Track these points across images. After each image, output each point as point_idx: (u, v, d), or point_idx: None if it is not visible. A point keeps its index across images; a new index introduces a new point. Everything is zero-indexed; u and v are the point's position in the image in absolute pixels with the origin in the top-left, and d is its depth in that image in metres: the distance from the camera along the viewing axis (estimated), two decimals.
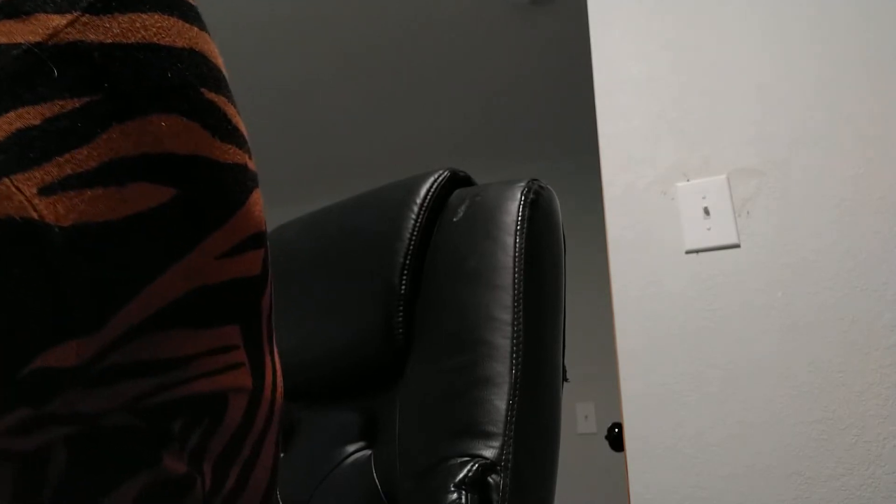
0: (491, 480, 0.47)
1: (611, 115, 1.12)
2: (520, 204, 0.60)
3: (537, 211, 0.61)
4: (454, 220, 0.63)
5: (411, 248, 0.63)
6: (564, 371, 0.61)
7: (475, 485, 0.46)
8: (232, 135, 0.29)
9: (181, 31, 0.26)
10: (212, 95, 0.27)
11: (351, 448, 0.61)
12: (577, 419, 2.72)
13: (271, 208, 3.25)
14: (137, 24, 0.24)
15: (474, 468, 0.47)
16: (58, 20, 0.22)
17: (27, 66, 0.21)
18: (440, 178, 0.67)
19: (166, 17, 0.25)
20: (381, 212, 0.67)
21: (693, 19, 1.13)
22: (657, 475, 0.90)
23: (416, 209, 0.64)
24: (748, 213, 0.98)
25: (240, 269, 0.29)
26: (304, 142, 3.03)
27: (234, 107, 0.31)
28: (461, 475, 0.47)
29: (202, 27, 0.28)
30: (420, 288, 0.62)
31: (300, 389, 0.69)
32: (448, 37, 2.34)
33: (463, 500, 0.46)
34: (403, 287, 0.61)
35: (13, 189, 0.20)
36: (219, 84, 0.29)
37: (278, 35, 2.32)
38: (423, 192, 0.65)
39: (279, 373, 0.37)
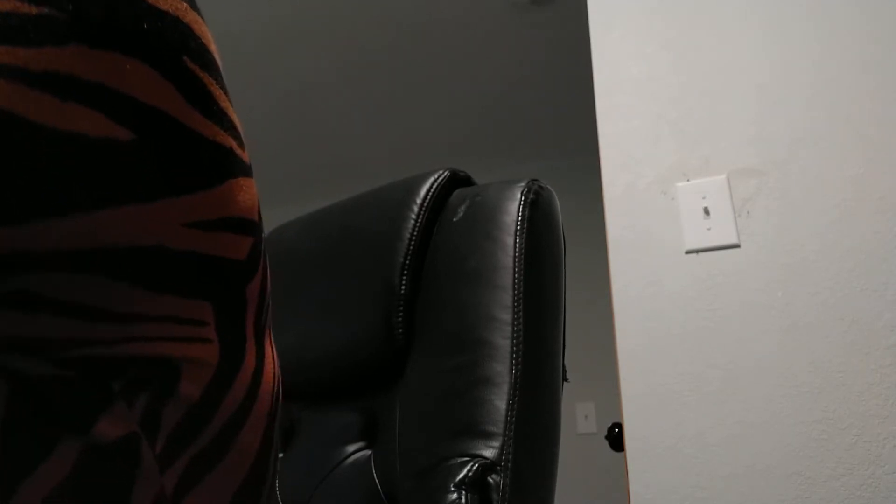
0: (491, 480, 0.47)
1: (611, 115, 1.12)
2: (520, 204, 0.60)
3: (537, 211, 0.61)
4: (454, 220, 0.63)
5: (411, 248, 0.63)
6: (564, 371, 0.61)
7: (475, 485, 0.46)
8: (216, 115, 0.29)
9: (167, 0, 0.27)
10: (194, 67, 0.28)
11: (351, 448, 0.61)
12: (577, 419, 2.72)
13: (272, 208, 3.26)
14: None
15: (474, 468, 0.47)
16: None
17: None
18: (440, 178, 0.67)
19: None
20: (382, 212, 0.67)
21: (693, 19, 1.13)
22: (657, 475, 0.90)
23: (416, 209, 0.64)
24: (748, 213, 0.98)
25: (214, 246, 0.29)
26: (304, 142, 3.03)
27: (227, 97, 0.31)
28: (461, 475, 0.47)
29: (194, 7, 0.29)
30: (420, 288, 0.62)
31: (300, 389, 0.69)
32: (448, 37, 2.34)
33: (463, 500, 0.46)
34: (403, 287, 0.61)
35: None
36: (205, 63, 0.29)
37: (278, 36, 2.32)
38: (423, 192, 0.65)
39: (275, 367, 0.37)
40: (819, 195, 0.95)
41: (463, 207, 0.63)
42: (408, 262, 0.62)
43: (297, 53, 2.41)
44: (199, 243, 0.29)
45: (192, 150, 0.28)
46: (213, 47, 0.31)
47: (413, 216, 0.64)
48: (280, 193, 3.34)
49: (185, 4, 0.28)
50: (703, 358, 0.93)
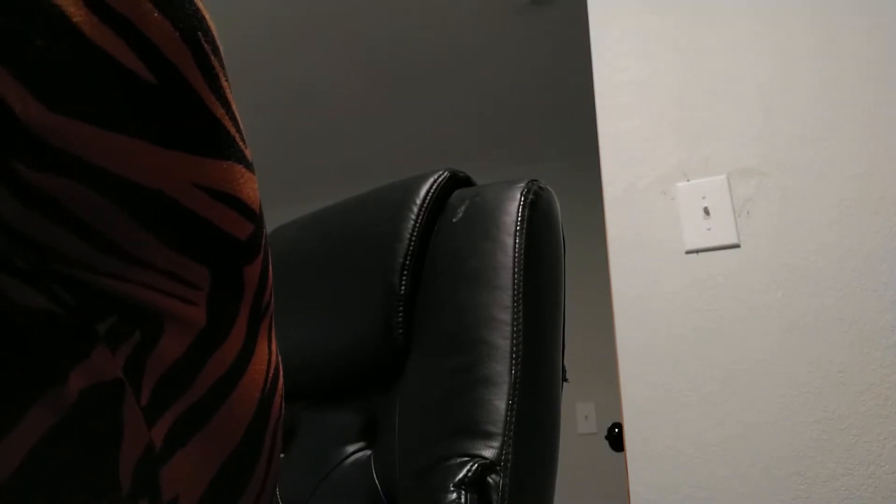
0: (490, 480, 0.47)
1: (611, 115, 1.12)
2: (519, 204, 0.60)
3: (536, 211, 0.61)
4: (454, 220, 0.63)
5: (411, 248, 0.63)
6: (564, 371, 0.61)
7: (475, 484, 0.46)
8: (222, 99, 0.31)
9: None
10: (207, 48, 0.30)
11: (351, 448, 0.61)
12: (577, 419, 2.72)
13: (272, 208, 3.24)
14: None
15: (474, 468, 0.47)
16: None
17: None
18: (440, 179, 0.67)
19: None
20: (381, 212, 0.67)
21: (693, 19, 1.13)
22: (657, 475, 0.90)
23: (415, 209, 0.64)
24: (748, 213, 0.98)
25: (218, 217, 0.31)
26: (304, 142, 3.03)
27: (230, 89, 0.33)
28: (461, 475, 0.47)
29: (205, 7, 0.32)
30: (420, 288, 0.62)
31: (300, 389, 0.69)
32: (448, 37, 2.34)
33: (462, 500, 0.46)
34: (403, 287, 0.61)
35: None
36: (216, 51, 0.31)
37: (279, 36, 2.32)
38: (422, 192, 0.65)
39: (275, 361, 0.38)
40: (819, 195, 0.95)
41: (462, 208, 0.63)
42: (407, 262, 0.62)
43: (297, 54, 2.41)
44: (206, 208, 0.30)
45: (202, 116, 0.29)
46: (220, 45, 0.32)
47: (413, 216, 0.64)
48: (280, 193, 3.34)
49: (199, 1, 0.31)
50: (703, 358, 0.93)
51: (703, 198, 1.01)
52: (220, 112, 0.31)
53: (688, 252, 1.00)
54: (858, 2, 1.03)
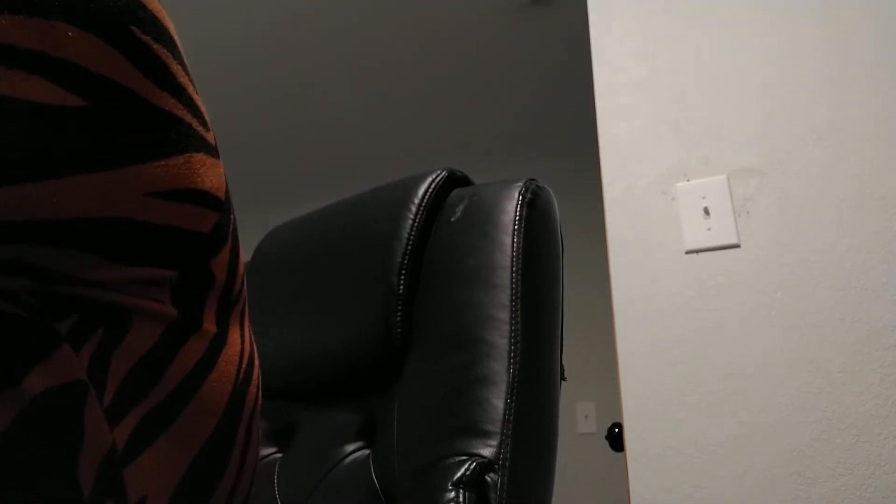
0: (489, 479, 0.47)
1: (611, 115, 1.12)
2: (517, 204, 0.60)
3: (534, 210, 0.61)
4: (452, 219, 0.63)
5: (409, 247, 0.63)
6: (563, 370, 0.61)
7: (473, 483, 0.46)
8: (172, 88, 0.30)
9: None
10: (146, 39, 0.28)
11: (350, 448, 0.61)
12: (577, 419, 2.72)
13: (272, 209, 3.25)
14: None
15: (472, 467, 0.47)
16: None
17: None
18: (438, 178, 0.67)
19: None
20: (380, 211, 0.67)
21: (693, 19, 1.13)
22: (657, 475, 0.90)
23: (414, 209, 0.64)
24: (748, 213, 0.98)
25: (175, 217, 0.30)
26: (304, 142, 3.03)
27: (187, 75, 0.31)
28: (459, 474, 0.47)
29: None
30: (418, 288, 0.62)
31: (298, 389, 0.69)
32: (448, 37, 2.34)
33: (461, 499, 0.45)
34: (402, 287, 0.61)
35: None
36: (160, 36, 0.29)
37: (279, 36, 2.32)
38: (421, 191, 0.65)
39: (248, 350, 0.37)
40: (819, 195, 0.95)
41: (461, 207, 0.63)
42: (406, 261, 0.62)
43: (296, 54, 2.41)
44: (163, 213, 0.29)
45: (146, 118, 0.28)
46: (170, 24, 0.31)
47: (411, 216, 0.64)
48: (280, 193, 3.34)
49: None
50: (703, 358, 0.93)
51: (703, 198, 1.01)
52: (169, 103, 0.29)
53: (688, 252, 0.99)
54: (860, 2, 1.03)
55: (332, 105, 2.74)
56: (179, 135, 0.30)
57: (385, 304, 0.61)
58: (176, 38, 0.31)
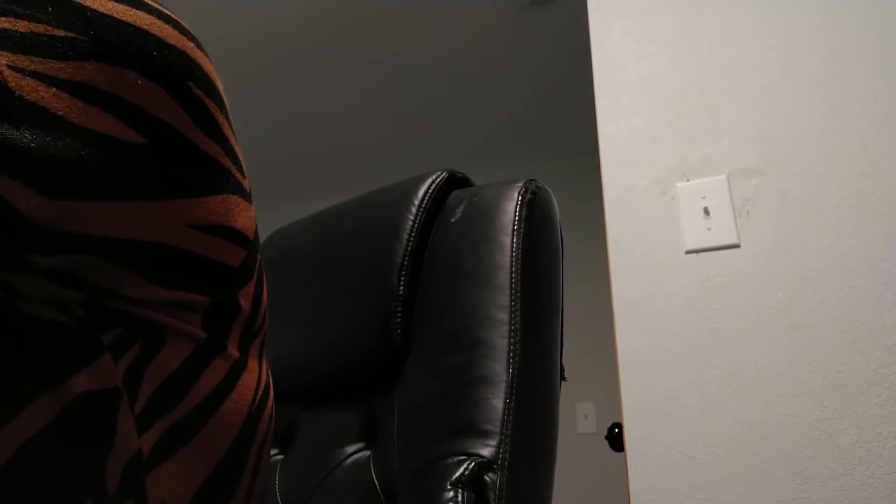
0: (488, 479, 0.47)
1: (611, 115, 1.12)
2: (517, 204, 0.60)
3: (534, 211, 0.61)
4: (452, 220, 0.63)
5: (409, 248, 0.63)
6: (562, 370, 0.61)
7: (472, 483, 0.46)
8: (218, 137, 0.34)
9: (174, 36, 0.33)
10: (199, 93, 0.33)
11: (350, 449, 0.61)
12: (577, 419, 2.72)
13: (273, 209, 3.25)
14: (128, 11, 0.31)
15: (471, 467, 0.47)
16: None
17: None
18: (438, 180, 0.67)
19: (162, 22, 0.32)
20: (380, 213, 0.67)
21: (693, 19, 1.13)
22: (657, 475, 0.90)
23: (414, 210, 0.64)
24: (748, 213, 0.98)
25: (212, 249, 0.34)
26: (304, 144, 3.03)
27: (231, 129, 0.36)
28: (458, 473, 0.47)
29: (200, 48, 0.35)
30: (418, 288, 0.62)
31: (299, 390, 0.69)
32: (448, 37, 2.35)
33: (459, 499, 0.46)
34: (402, 288, 0.61)
35: None
36: (210, 92, 0.34)
37: (279, 38, 2.32)
38: (421, 193, 0.65)
39: (265, 379, 0.40)
40: (819, 195, 0.95)
41: (461, 208, 0.63)
42: (406, 262, 0.62)
43: (297, 56, 2.41)
44: (201, 244, 0.33)
45: (193, 160, 0.33)
46: (219, 84, 0.36)
47: (411, 217, 0.64)
48: (281, 195, 3.34)
49: (192, 44, 0.34)
50: (703, 358, 0.93)
51: (703, 198, 1.01)
52: (214, 150, 0.34)
53: (688, 252, 0.99)
54: (861, 2, 1.03)
55: (332, 106, 2.74)
56: (220, 178, 0.34)
57: (385, 304, 0.61)
58: (223, 95, 0.36)
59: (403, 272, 0.62)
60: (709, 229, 0.99)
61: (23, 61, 0.27)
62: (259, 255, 0.39)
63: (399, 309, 0.61)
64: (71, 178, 0.28)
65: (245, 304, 0.37)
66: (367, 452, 0.60)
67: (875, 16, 1.01)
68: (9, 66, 0.27)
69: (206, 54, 0.35)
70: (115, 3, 0.31)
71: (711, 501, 0.87)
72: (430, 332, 0.59)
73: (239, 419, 0.36)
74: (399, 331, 0.60)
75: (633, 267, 1.02)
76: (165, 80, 0.31)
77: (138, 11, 0.31)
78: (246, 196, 0.37)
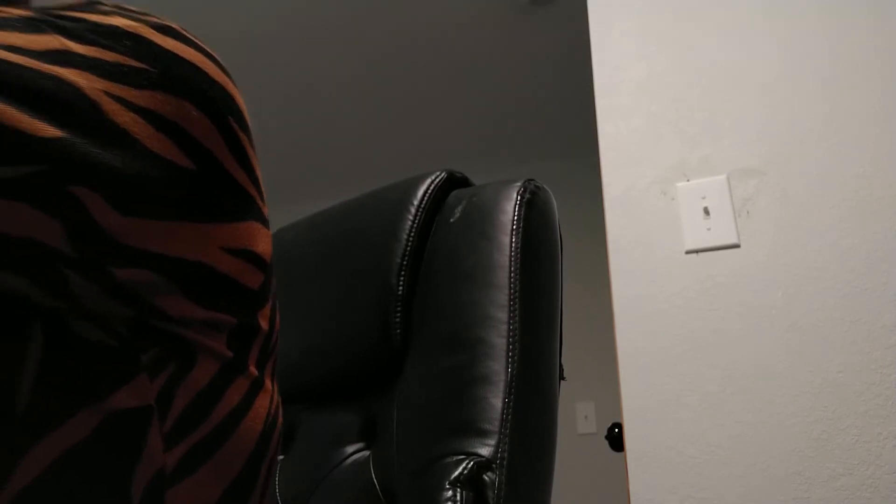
0: (486, 478, 0.47)
1: (611, 115, 1.12)
2: (516, 204, 0.60)
3: (533, 210, 0.61)
4: (451, 220, 0.63)
5: (409, 248, 0.63)
6: (562, 370, 0.61)
7: (470, 482, 0.46)
8: (247, 168, 0.38)
9: (216, 72, 0.36)
10: (236, 128, 0.37)
11: (350, 449, 0.61)
12: (577, 419, 2.72)
13: (273, 209, 3.25)
14: (184, 48, 0.35)
15: (469, 466, 0.47)
16: (133, 22, 0.35)
17: (107, 30, 0.33)
18: (437, 180, 0.67)
19: (207, 59, 0.36)
20: (379, 213, 0.67)
21: (693, 19, 1.13)
22: (657, 475, 0.90)
23: (413, 210, 0.64)
24: (748, 213, 0.98)
25: (238, 271, 0.37)
26: (304, 144, 3.03)
27: (255, 155, 0.39)
28: (456, 473, 0.47)
29: (233, 81, 0.39)
30: (417, 288, 0.62)
31: (299, 390, 0.69)
32: (448, 37, 2.35)
33: (458, 498, 0.46)
34: (401, 288, 0.61)
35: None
36: (244, 127, 0.38)
37: (279, 38, 2.32)
38: (420, 193, 0.65)
39: (275, 400, 0.42)
40: (819, 195, 0.95)
41: (460, 208, 0.63)
42: (405, 262, 0.62)
43: (297, 56, 2.41)
44: (229, 266, 0.36)
45: (228, 187, 0.36)
46: (247, 115, 0.39)
47: (410, 217, 0.64)
48: (282, 195, 3.34)
49: (228, 79, 0.38)
50: (702, 358, 0.93)
51: (703, 198, 1.01)
52: (244, 179, 0.37)
53: (688, 252, 0.99)
54: (861, 2, 1.03)
55: (331, 106, 2.74)
56: (247, 205, 0.37)
57: (385, 304, 0.61)
58: (250, 126, 0.39)
59: (403, 272, 0.62)
60: (709, 229, 0.99)
61: (112, 88, 0.31)
62: (274, 279, 0.42)
63: (398, 309, 0.61)
64: (142, 197, 0.31)
65: (264, 325, 0.39)
66: (367, 452, 0.60)
67: (875, 16, 1.01)
68: (104, 92, 0.31)
69: (236, 86, 0.39)
70: (173, 41, 0.35)
71: (711, 501, 0.87)
72: (430, 332, 0.59)
73: (254, 436, 0.38)
74: (398, 330, 0.60)
75: (633, 267, 1.02)
76: (212, 112, 0.35)
77: (189, 48, 0.35)
78: (265, 223, 0.40)
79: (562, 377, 0.61)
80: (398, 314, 0.61)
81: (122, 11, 0.35)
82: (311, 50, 2.39)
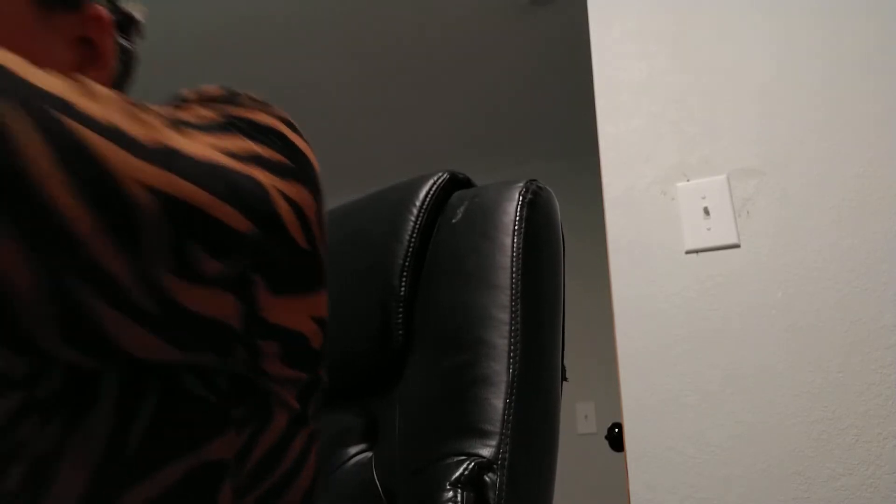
0: (487, 479, 0.47)
1: (611, 115, 1.12)
2: (517, 204, 0.60)
3: (535, 211, 0.61)
4: (453, 221, 0.63)
5: (410, 249, 0.63)
6: (564, 370, 0.61)
7: (471, 483, 0.46)
8: (325, 237, 0.42)
9: (313, 156, 0.41)
10: (321, 200, 0.41)
11: (353, 450, 0.61)
12: (577, 419, 2.72)
13: None
14: (299, 140, 0.40)
15: (470, 466, 0.47)
16: (271, 118, 0.41)
17: (263, 129, 0.38)
18: (439, 180, 0.67)
19: (308, 145, 0.41)
20: (381, 214, 0.67)
21: (693, 19, 1.13)
22: (657, 475, 0.90)
23: (415, 211, 0.64)
24: (748, 213, 0.98)
25: (314, 336, 0.40)
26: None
27: (322, 219, 0.43)
28: (457, 473, 0.47)
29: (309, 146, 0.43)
30: (419, 289, 0.62)
31: None
32: (448, 37, 2.34)
33: (459, 499, 0.46)
34: (403, 288, 0.61)
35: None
36: (321, 195, 0.42)
37: (278, 37, 2.32)
38: (422, 194, 0.65)
39: (319, 459, 0.44)
40: (819, 195, 0.95)
41: (462, 209, 0.63)
42: (407, 263, 0.62)
43: (296, 56, 2.41)
44: (311, 332, 0.40)
45: (319, 262, 0.40)
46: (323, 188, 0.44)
47: (412, 218, 0.64)
48: None
49: (309, 147, 0.42)
50: (703, 358, 0.93)
51: (703, 198, 1.01)
52: (323, 252, 0.41)
53: (688, 252, 1.00)
54: (860, 3, 1.03)
55: (331, 107, 2.74)
56: (322, 275, 0.41)
57: (386, 305, 0.61)
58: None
59: (405, 273, 0.62)
60: (709, 229, 0.99)
61: (276, 182, 0.36)
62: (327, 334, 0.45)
63: (400, 309, 0.61)
64: (285, 277, 0.36)
65: (323, 382, 0.43)
66: (370, 454, 0.60)
67: (874, 16, 1.01)
68: (273, 186, 0.36)
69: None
70: (294, 133, 0.40)
71: (711, 501, 0.87)
72: (431, 333, 0.59)
73: (308, 483, 0.41)
74: (400, 331, 0.60)
75: (633, 267, 1.02)
76: (316, 195, 0.39)
77: (300, 139, 0.41)
78: (326, 287, 0.43)
79: (564, 378, 0.61)
80: (400, 315, 0.61)
81: (257, 104, 0.40)
82: (310, 50, 2.39)
